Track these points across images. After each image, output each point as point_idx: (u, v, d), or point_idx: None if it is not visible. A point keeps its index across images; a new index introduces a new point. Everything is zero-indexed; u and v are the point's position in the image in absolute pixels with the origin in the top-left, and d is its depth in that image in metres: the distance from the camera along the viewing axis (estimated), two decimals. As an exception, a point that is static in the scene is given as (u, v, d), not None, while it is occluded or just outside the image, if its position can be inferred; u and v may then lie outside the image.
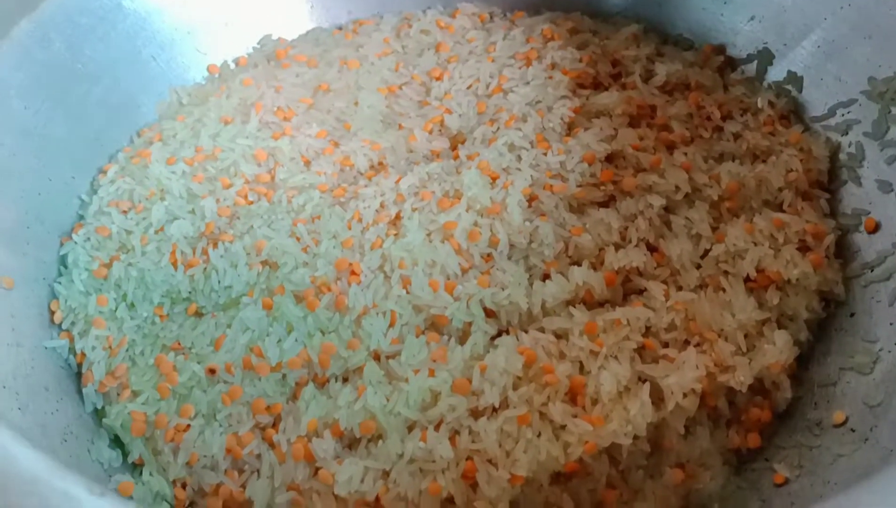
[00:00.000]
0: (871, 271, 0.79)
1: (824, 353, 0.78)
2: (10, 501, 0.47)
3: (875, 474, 0.53)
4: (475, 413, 0.71)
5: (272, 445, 0.72)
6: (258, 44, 1.06)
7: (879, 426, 0.67)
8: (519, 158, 0.88)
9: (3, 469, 0.49)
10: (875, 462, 0.64)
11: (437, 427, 0.70)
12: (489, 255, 0.82)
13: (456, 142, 0.93)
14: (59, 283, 0.82)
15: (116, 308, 0.80)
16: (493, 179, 0.86)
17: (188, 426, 0.73)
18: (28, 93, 0.85)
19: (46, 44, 0.87)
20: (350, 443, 0.72)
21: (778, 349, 0.74)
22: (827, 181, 0.87)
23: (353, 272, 0.79)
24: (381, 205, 0.85)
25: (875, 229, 0.81)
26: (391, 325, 0.76)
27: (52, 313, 0.80)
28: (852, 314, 0.78)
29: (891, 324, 0.74)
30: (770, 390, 0.75)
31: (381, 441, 0.70)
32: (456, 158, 0.90)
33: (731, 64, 0.99)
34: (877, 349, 0.73)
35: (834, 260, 0.81)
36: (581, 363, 0.73)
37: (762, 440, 0.73)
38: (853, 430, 0.69)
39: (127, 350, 0.78)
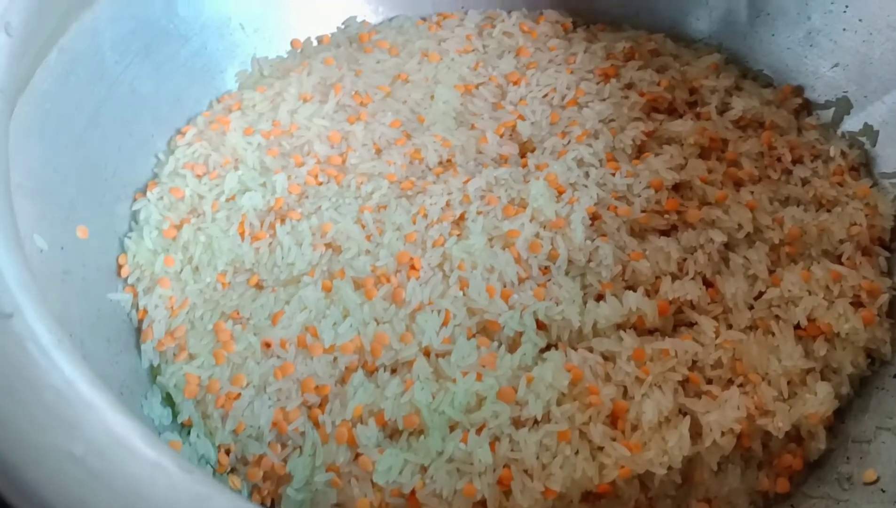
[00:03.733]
0: (922, 336, 0.78)
1: (862, 409, 0.78)
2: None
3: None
4: (517, 423, 0.72)
5: (317, 424, 0.73)
6: (343, 24, 1.07)
7: (912, 490, 0.67)
8: (587, 174, 0.88)
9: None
10: (903, 526, 0.65)
11: (478, 431, 0.71)
12: (547, 268, 0.82)
13: (525, 149, 0.94)
14: (130, 238, 0.84)
15: (182, 270, 0.82)
16: (560, 193, 0.86)
17: (239, 394, 0.74)
18: (121, 46, 0.86)
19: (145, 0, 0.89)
20: (392, 434, 0.73)
21: (818, 400, 0.74)
22: (889, 239, 0.86)
23: (412, 267, 0.80)
24: (447, 204, 0.85)
25: (932, 295, 0.80)
26: (444, 324, 0.77)
27: (120, 266, 0.82)
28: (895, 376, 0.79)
29: (934, 392, 0.73)
30: (805, 438, 0.75)
31: (422, 437, 0.72)
32: (524, 165, 0.91)
33: (808, 107, 0.98)
34: (916, 414, 0.73)
35: (885, 319, 0.80)
36: (625, 387, 0.74)
37: (791, 487, 0.74)
38: (883, 490, 0.70)
39: (187, 313, 0.79)
